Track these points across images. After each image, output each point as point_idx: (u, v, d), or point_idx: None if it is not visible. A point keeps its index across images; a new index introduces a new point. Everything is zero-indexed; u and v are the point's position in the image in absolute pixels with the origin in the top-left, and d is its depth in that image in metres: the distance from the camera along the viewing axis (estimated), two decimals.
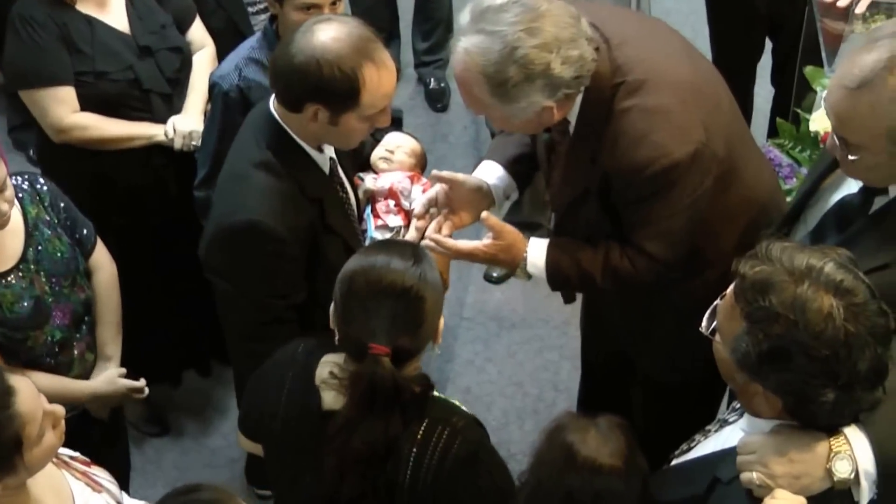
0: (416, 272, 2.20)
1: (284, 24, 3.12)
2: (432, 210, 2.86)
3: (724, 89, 2.76)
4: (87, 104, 3.51)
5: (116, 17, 3.54)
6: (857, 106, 2.18)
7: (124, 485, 3.48)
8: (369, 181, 2.99)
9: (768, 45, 4.41)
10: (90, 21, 3.48)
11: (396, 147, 3.05)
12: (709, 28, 4.44)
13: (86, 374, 3.12)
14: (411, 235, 2.91)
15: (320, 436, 2.23)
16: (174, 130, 3.53)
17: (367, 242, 2.93)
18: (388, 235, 2.95)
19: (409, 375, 2.23)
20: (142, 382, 3.17)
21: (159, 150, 3.59)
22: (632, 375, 3.34)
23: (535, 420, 4.04)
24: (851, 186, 2.45)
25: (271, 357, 2.45)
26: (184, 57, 3.64)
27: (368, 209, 2.98)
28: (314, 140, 2.70)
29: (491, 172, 2.94)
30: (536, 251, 2.78)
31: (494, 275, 4.44)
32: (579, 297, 3.25)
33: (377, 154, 3.04)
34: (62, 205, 3.05)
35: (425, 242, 2.77)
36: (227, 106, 3.18)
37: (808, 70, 3.14)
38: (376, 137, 3.19)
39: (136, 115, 3.59)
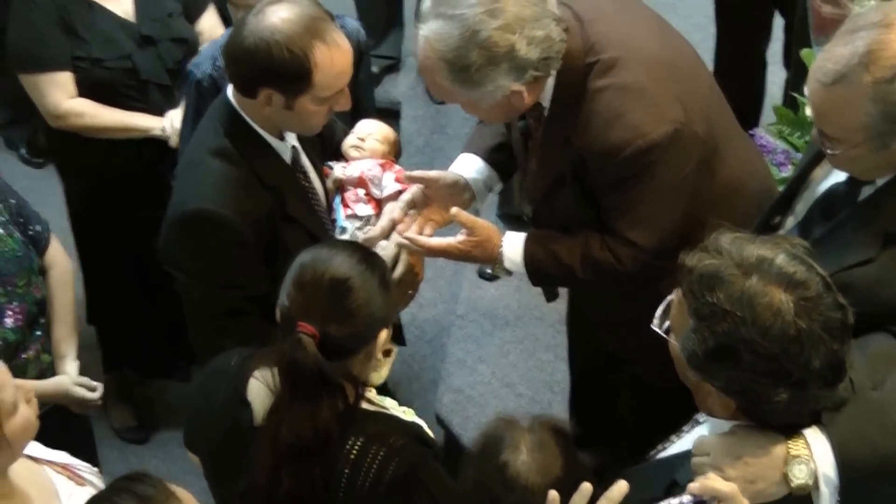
0: (357, 268, 2.19)
1: None
2: (411, 212, 2.81)
3: (702, 68, 2.67)
4: (83, 90, 3.51)
5: (121, 2, 3.52)
6: (832, 101, 2.10)
7: None
8: (338, 169, 2.91)
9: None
10: (91, 5, 3.47)
11: (367, 134, 2.98)
12: (714, 7, 4.30)
13: (41, 375, 3.02)
14: (383, 223, 2.85)
15: (250, 450, 2.19)
16: (171, 126, 3.48)
17: (337, 232, 2.87)
18: (357, 224, 2.87)
19: (343, 369, 2.18)
20: (96, 394, 3.08)
21: (153, 143, 3.55)
22: (619, 377, 3.25)
23: None
24: (840, 175, 2.35)
25: (206, 367, 2.40)
26: (189, 48, 3.59)
27: (338, 198, 2.91)
28: (272, 127, 2.64)
29: (469, 166, 2.88)
30: (512, 246, 2.71)
31: (489, 271, 4.33)
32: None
33: (348, 142, 2.97)
34: (13, 201, 2.97)
35: (399, 240, 2.73)
36: (200, 94, 3.17)
37: (805, 52, 3.01)
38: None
39: (133, 104, 3.57)
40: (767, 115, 4.05)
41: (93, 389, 3.10)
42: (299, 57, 2.45)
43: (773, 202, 2.50)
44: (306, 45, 2.45)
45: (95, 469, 2.47)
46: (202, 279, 2.63)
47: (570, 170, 2.56)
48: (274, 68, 2.46)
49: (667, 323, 1.99)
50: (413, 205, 2.81)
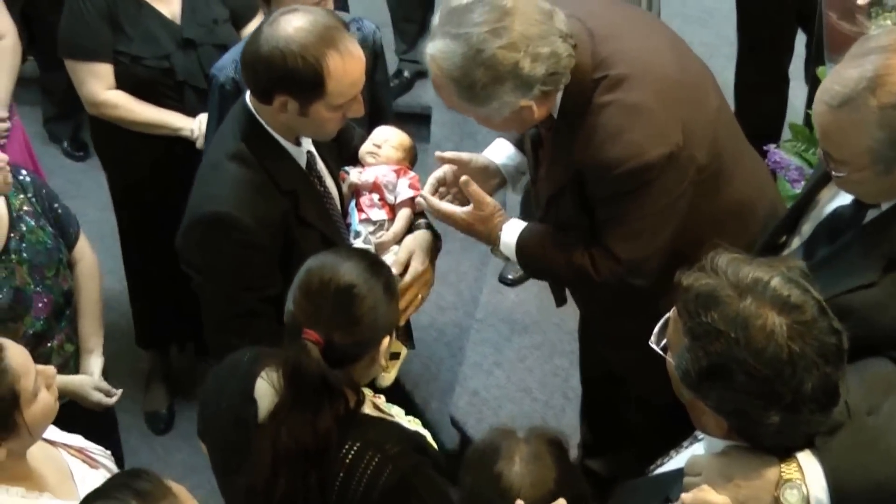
0: (364, 276, 2.21)
1: None
2: (441, 189, 2.86)
3: (713, 89, 2.66)
4: (122, 84, 3.61)
5: (171, 4, 3.60)
6: (838, 124, 2.09)
7: None
8: (354, 175, 2.94)
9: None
10: (140, 3, 3.55)
11: (384, 141, 3.00)
12: (737, 21, 4.29)
13: (64, 364, 3.11)
14: (396, 228, 2.88)
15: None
16: (199, 129, 3.55)
17: (351, 236, 2.90)
18: (371, 229, 2.90)
19: (345, 377, 2.20)
20: (113, 400, 3.19)
21: (184, 141, 3.61)
22: (626, 393, 3.25)
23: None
24: (847, 197, 2.34)
25: (220, 363, 2.43)
26: None
27: (353, 203, 2.93)
28: (288, 132, 2.68)
29: (501, 151, 2.93)
30: (511, 232, 2.75)
31: (510, 276, 4.35)
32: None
33: (364, 148, 3.00)
34: (46, 196, 3.06)
35: (417, 199, 2.82)
36: (223, 97, 3.20)
37: (821, 70, 3.00)
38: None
39: (168, 103, 3.66)
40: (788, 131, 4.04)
41: (110, 395, 3.17)
42: (313, 65, 2.48)
43: (779, 221, 2.50)
44: (320, 53, 2.49)
45: (108, 452, 2.55)
46: (217, 280, 2.66)
47: (572, 178, 2.58)
48: (288, 76, 2.49)
49: (664, 340, 1.99)
50: (442, 182, 2.86)
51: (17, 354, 2.21)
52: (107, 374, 3.27)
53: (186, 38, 3.59)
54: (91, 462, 2.47)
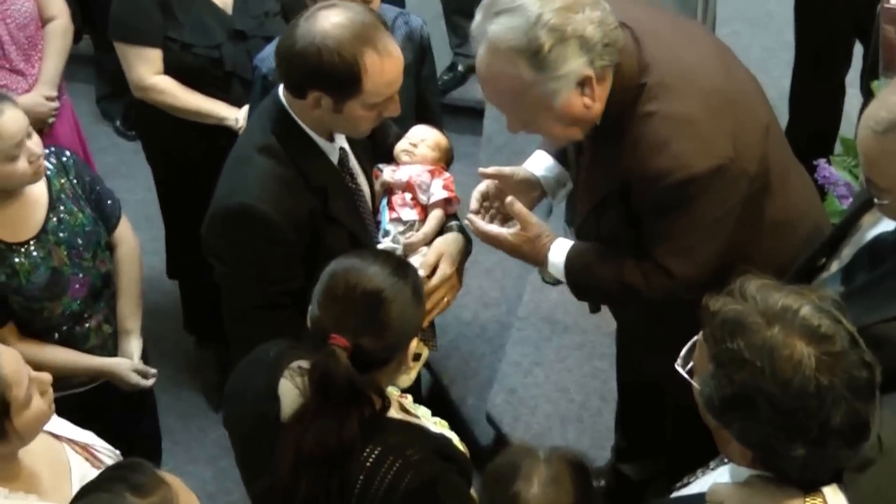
0: (391, 280, 2.17)
1: None
2: (484, 204, 2.84)
3: (762, 101, 2.58)
4: (171, 70, 3.61)
5: None
6: (883, 150, 2.02)
7: (153, 461, 3.52)
8: (387, 172, 2.90)
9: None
10: None
11: (420, 140, 2.96)
12: (794, 29, 4.20)
13: (103, 345, 3.15)
14: (426, 229, 2.85)
15: (275, 444, 2.19)
16: (243, 119, 3.55)
17: (380, 234, 2.87)
18: (401, 229, 2.86)
19: (372, 382, 2.17)
20: (149, 382, 3.20)
21: (228, 131, 3.60)
22: (661, 399, 3.19)
23: (578, 428, 3.91)
24: (890, 223, 2.26)
25: (249, 355, 2.40)
26: None
27: (384, 201, 2.90)
28: (321, 127, 2.64)
29: (541, 163, 2.89)
30: (558, 252, 2.70)
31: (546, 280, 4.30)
32: None
33: (400, 146, 2.96)
34: (88, 178, 3.09)
35: (464, 222, 2.79)
36: (265, 88, 3.17)
37: (875, 84, 2.90)
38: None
39: (215, 93, 3.66)
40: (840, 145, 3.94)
41: (146, 376, 3.19)
42: (349, 63, 2.45)
43: (819, 243, 2.42)
44: (357, 51, 2.45)
45: (117, 452, 2.52)
46: (238, 272, 2.65)
47: (615, 189, 2.52)
48: (323, 72, 2.46)
49: (690, 363, 1.94)
50: (486, 196, 2.83)
51: (10, 362, 2.19)
52: (147, 354, 3.30)
53: (237, 29, 3.58)
54: (94, 460, 2.45)
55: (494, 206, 2.83)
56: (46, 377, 2.29)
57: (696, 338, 1.93)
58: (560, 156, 2.88)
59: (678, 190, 2.39)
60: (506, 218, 2.79)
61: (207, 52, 3.58)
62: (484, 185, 2.83)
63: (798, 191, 2.67)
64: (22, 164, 2.81)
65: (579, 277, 2.67)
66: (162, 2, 3.54)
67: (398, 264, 2.25)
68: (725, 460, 2.13)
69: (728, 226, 2.48)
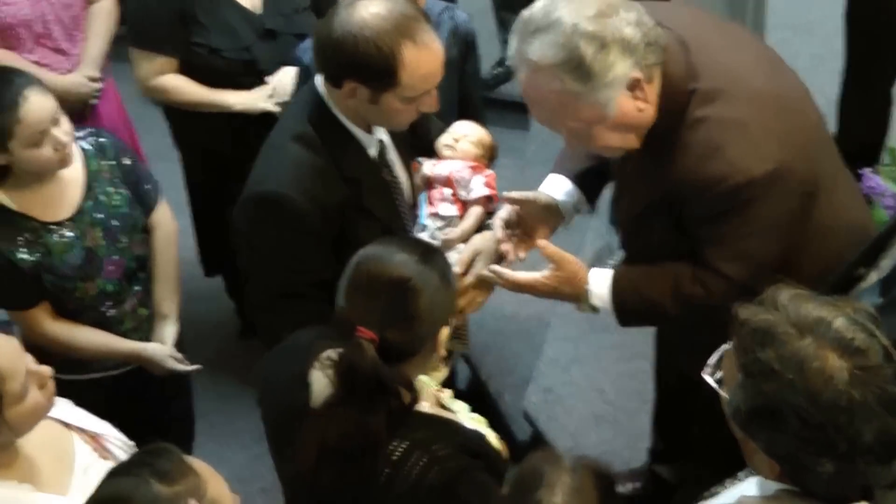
0: (418, 268, 2.13)
1: None
2: (507, 231, 2.79)
3: (811, 107, 2.53)
4: (200, 75, 3.55)
5: None
6: None
7: (186, 444, 3.54)
8: (427, 166, 2.88)
9: None
10: None
11: (462, 136, 2.93)
12: (844, 36, 4.13)
13: (138, 328, 3.17)
14: (464, 226, 2.82)
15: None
16: (277, 91, 3.51)
17: (418, 228, 2.85)
18: (439, 224, 2.84)
19: (400, 375, 2.14)
20: (188, 368, 3.22)
21: (257, 121, 3.54)
22: (699, 401, 3.15)
23: (614, 428, 3.88)
24: None
25: (282, 343, 2.40)
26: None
27: (423, 195, 2.88)
28: (358, 118, 2.62)
29: (559, 187, 2.84)
30: (599, 282, 2.64)
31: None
32: None
33: (442, 140, 2.93)
34: (127, 161, 3.09)
35: (487, 274, 2.70)
36: (306, 79, 3.14)
37: None
38: None
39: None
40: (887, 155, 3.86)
41: (182, 362, 3.21)
42: (386, 54, 2.42)
43: (860, 253, 2.37)
44: (394, 42, 2.42)
45: (131, 444, 2.49)
46: (265, 259, 2.64)
47: (664, 197, 2.48)
48: (359, 62, 2.44)
49: (719, 373, 1.91)
50: (509, 224, 2.79)
51: (8, 353, 2.15)
52: (183, 339, 3.31)
53: (268, 28, 3.52)
54: (102, 451, 2.42)
55: (516, 232, 2.78)
56: (46, 371, 2.25)
57: (725, 346, 1.90)
58: (577, 176, 2.83)
59: (734, 195, 2.35)
60: (528, 245, 2.76)
61: (238, 55, 3.52)
62: (505, 212, 2.79)
63: (846, 195, 2.62)
64: (46, 151, 2.82)
65: (628, 300, 2.61)
66: (181, 10, 3.46)
67: (425, 250, 2.20)
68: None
69: (784, 228, 2.44)
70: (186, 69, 3.55)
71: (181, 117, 3.76)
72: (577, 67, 2.31)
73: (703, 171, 2.36)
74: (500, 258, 2.80)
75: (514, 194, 2.77)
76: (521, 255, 2.77)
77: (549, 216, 2.79)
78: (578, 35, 2.29)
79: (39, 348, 3.00)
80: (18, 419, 2.17)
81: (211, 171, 3.83)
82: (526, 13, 2.37)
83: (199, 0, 3.46)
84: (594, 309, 2.69)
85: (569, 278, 2.63)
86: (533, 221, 2.78)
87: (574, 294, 2.66)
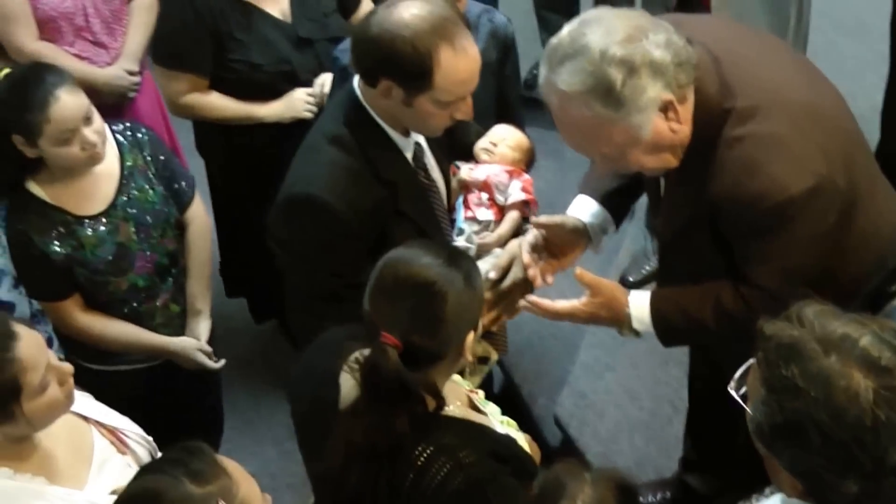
0: (444, 271, 2.11)
1: None
2: (533, 255, 2.78)
3: (847, 116, 2.50)
4: (241, 91, 3.52)
5: (279, 2, 3.51)
6: None
7: (214, 438, 3.56)
8: (465, 170, 2.88)
9: None
10: (248, 8, 3.45)
11: (500, 140, 2.92)
12: (890, 40, 4.06)
13: (168, 324, 3.18)
14: (501, 231, 2.82)
15: (330, 430, 2.18)
16: (320, 92, 3.50)
17: (455, 232, 2.84)
18: (476, 228, 2.84)
19: (425, 381, 2.13)
20: (216, 365, 3.22)
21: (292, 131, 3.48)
22: (733, 411, 3.11)
23: (645, 436, 3.84)
24: None
25: (316, 339, 2.40)
26: None
27: (461, 199, 2.87)
28: (394, 120, 2.61)
29: (585, 209, 2.82)
30: (639, 304, 2.61)
31: (630, 278, 4.23)
32: None
33: (480, 144, 2.93)
34: (162, 156, 3.11)
35: (523, 304, 2.69)
36: (344, 80, 3.14)
37: None
38: None
39: None
40: None
41: (211, 357, 3.22)
42: (422, 53, 2.41)
43: (891, 269, 2.33)
44: (431, 44, 2.41)
45: (150, 439, 2.50)
46: (301, 261, 2.64)
47: (703, 214, 2.45)
48: (394, 60, 2.43)
49: (744, 388, 1.88)
50: (536, 248, 2.78)
51: (30, 346, 2.15)
52: (215, 335, 3.32)
53: (302, 37, 3.49)
54: (120, 446, 2.43)
55: (543, 255, 2.77)
56: (68, 368, 2.26)
57: (750, 361, 1.87)
58: (604, 197, 2.81)
59: (776, 212, 2.32)
60: (554, 267, 2.75)
61: (279, 67, 3.49)
62: (532, 237, 2.77)
63: (885, 199, 2.59)
64: (74, 150, 2.84)
65: (670, 320, 2.59)
66: (213, 28, 3.41)
67: (451, 254, 2.18)
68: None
69: (826, 240, 2.41)
70: (217, 84, 3.53)
71: (207, 127, 3.71)
72: (606, 94, 2.28)
73: (743, 190, 2.33)
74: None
75: (543, 219, 2.76)
76: (549, 279, 2.76)
77: (578, 239, 2.78)
78: (607, 61, 2.26)
79: (70, 337, 3.05)
80: (36, 412, 2.18)
81: (235, 182, 3.78)
82: (554, 40, 2.35)
83: (234, 18, 3.43)
84: (637, 333, 2.66)
85: (606, 303, 2.62)
86: (561, 244, 2.78)
87: (614, 318, 2.64)
